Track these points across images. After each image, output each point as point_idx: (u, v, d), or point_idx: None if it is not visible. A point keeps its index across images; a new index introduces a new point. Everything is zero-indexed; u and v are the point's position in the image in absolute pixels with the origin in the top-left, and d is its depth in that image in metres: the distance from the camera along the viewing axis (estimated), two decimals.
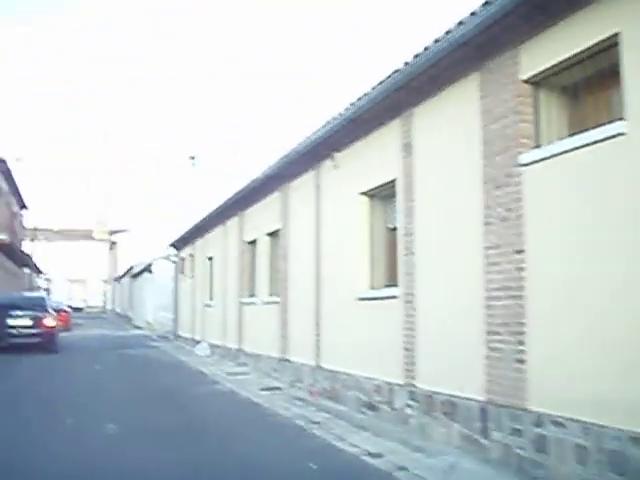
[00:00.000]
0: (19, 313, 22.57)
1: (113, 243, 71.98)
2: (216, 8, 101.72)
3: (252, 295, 17.52)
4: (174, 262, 30.40)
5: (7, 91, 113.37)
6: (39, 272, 75.43)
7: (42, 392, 13.38)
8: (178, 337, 29.39)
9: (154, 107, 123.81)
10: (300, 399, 12.34)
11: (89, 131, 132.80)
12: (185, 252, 28.10)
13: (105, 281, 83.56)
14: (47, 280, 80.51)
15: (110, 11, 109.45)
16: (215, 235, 22.03)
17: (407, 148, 9.51)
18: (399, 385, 9.53)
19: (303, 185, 13.61)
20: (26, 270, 55.63)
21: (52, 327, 23.01)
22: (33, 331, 22.45)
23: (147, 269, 40.24)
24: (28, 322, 22.53)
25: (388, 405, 9.85)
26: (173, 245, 30.02)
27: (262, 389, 13.79)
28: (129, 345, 27.57)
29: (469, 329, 7.83)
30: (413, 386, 9.17)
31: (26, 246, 57.05)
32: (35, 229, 58.47)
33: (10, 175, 40.09)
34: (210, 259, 22.99)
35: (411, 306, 9.28)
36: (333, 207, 12.14)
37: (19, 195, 47.58)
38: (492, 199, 7.51)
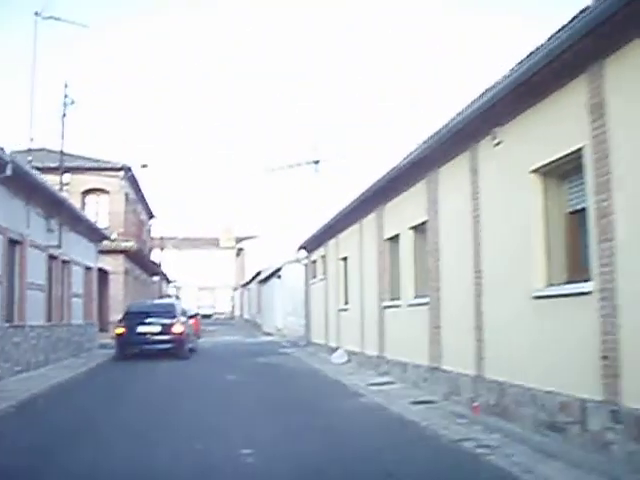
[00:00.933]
0: (150, 320, 22.88)
1: (240, 250, 71.97)
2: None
3: (395, 297, 15.92)
4: (304, 265, 29.16)
5: (136, 100, 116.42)
6: (168, 280, 76.73)
7: (172, 407, 12.27)
8: (310, 343, 28.15)
9: (278, 113, 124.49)
10: (460, 415, 10.64)
11: (213, 138, 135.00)
12: (316, 254, 26.82)
13: (233, 288, 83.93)
14: (176, 288, 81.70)
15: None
16: (349, 234, 20.57)
17: (597, 109, 7.70)
18: (595, 402, 7.69)
19: (455, 169, 11.91)
20: (155, 278, 56.05)
21: (181, 333, 22.92)
22: (163, 337, 22.60)
23: (276, 274, 39.35)
24: (158, 329, 22.71)
25: (579, 426, 8.03)
26: (303, 247, 28.82)
27: (413, 403, 12.16)
28: (260, 352, 26.54)
29: None
30: (616, 404, 7.33)
31: (155, 255, 57.61)
32: (162, 238, 58.87)
33: (137, 183, 40.16)
34: (344, 260, 21.55)
35: (610, 304, 7.46)
36: (494, 191, 10.39)
37: (146, 204, 47.86)
38: None
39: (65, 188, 34.98)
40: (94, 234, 26.61)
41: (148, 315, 23.37)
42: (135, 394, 14.29)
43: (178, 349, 22.72)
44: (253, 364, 21.59)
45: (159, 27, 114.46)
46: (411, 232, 14.70)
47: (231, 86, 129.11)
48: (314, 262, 27.52)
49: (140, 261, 41.54)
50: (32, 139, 25.74)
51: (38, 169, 21.06)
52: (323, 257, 25.33)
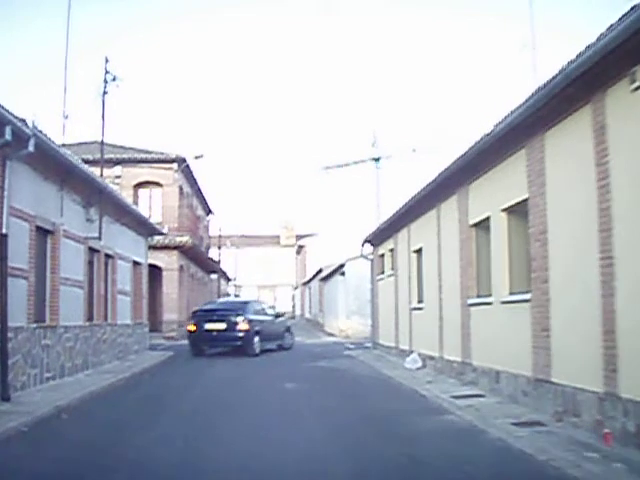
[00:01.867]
0: (216, 317, 23.97)
1: (300, 247, 69.95)
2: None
3: (483, 293, 13.39)
4: (370, 260, 26.77)
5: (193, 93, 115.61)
6: (228, 279, 75.23)
7: (218, 430, 9.98)
8: (377, 345, 25.75)
9: (338, 109, 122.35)
10: (585, 445, 8.11)
11: (272, 134, 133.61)
12: (383, 248, 24.41)
13: (294, 286, 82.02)
14: (236, 286, 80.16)
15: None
16: (424, 222, 18.08)
17: None
18: None
19: (570, 130, 9.39)
20: (213, 276, 54.31)
21: (247, 330, 23.48)
22: (230, 334, 23.46)
23: (338, 271, 37.05)
24: (223, 326, 23.58)
25: None
26: (368, 241, 26.42)
27: (516, 424, 9.64)
28: (322, 355, 24.32)
29: None
30: None
31: (214, 253, 55.94)
32: (220, 236, 57.11)
33: (192, 176, 38.37)
34: (418, 252, 19.08)
35: None
36: (631, 149, 7.87)
37: (203, 199, 46.06)
38: None
39: (116, 181, 33.36)
40: (143, 227, 24.66)
41: (216, 312, 24.55)
42: (180, 409, 12.06)
43: (245, 346, 23.43)
44: (315, 369, 19.35)
45: (221, 15, 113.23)
46: (504, 214, 12.16)
47: (291, 80, 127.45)
48: (381, 256, 25.11)
49: (196, 258, 39.69)
50: (66, 116, 23.80)
51: (87, 162, 19.25)
52: (391, 250, 22.92)
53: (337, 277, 38.12)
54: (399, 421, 10.57)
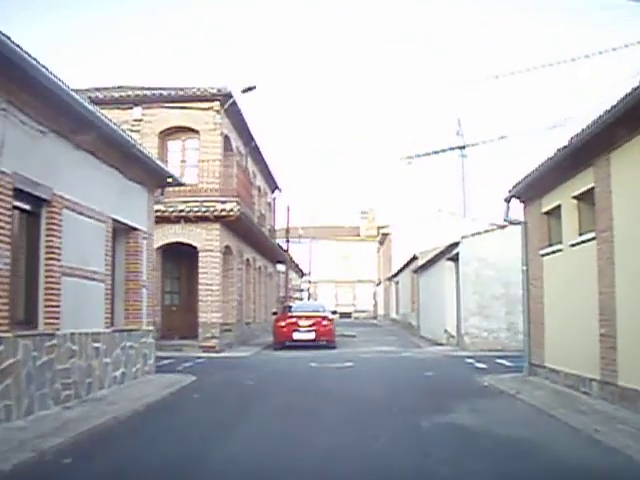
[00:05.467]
0: None
1: (385, 235, 59.29)
2: None
3: None
4: (522, 225, 15.94)
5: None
6: (302, 273, 65.49)
7: None
8: (536, 368, 15.09)
9: (420, 96, 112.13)
10: None
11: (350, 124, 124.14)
12: (555, 198, 13.71)
13: (375, 283, 71.43)
14: (310, 282, 70.46)
15: None
16: None
17: None
18: None
19: None
20: (281, 267, 44.30)
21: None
22: None
23: (446, 254, 26.36)
24: None
25: None
26: (514, 197, 15.80)
27: None
28: (438, 387, 14.17)
29: None
30: None
31: (291, 248, 46.33)
32: (292, 228, 46.99)
33: (243, 122, 28.05)
34: None
35: None
36: None
37: (266, 168, 35.96)
38: None
39: (135, 127, 23.67)
40: (139, 168, 14.60)
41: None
42: None
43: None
44: (442, 441, 8.78)
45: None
46: None
47: (373, 68, 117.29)
48: (549, 214, 14.36)
49: (253, 238, 29.59)
50: None
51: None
52: (580, 198, 12.36)
53: (442, 264, 27.49)
54: None
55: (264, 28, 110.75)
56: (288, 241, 44.59)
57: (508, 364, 18.36)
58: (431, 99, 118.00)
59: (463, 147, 63.44)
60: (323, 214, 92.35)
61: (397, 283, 51.02)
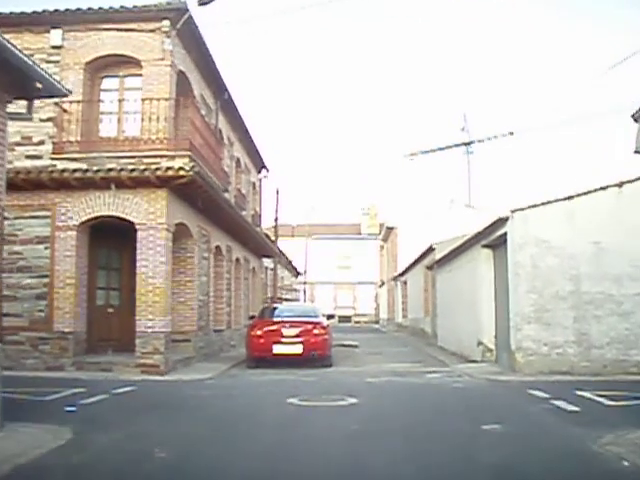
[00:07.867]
0: None
1: (389, 229, 52.28)
2: None
3: None
4: None
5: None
6: (297, 273, 58.98)
7: None
8: None
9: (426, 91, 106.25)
10: None
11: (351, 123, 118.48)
12: None
13: (379, 284, 64.47)
14: (305, 283, 63.70)
15: None
16: None
17: None
18: None
19: None
20: (267, 262, 37.17)
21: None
22: None
23: (483, 239, 19.25)
24: None
25: None
26: None
27: None
28: (525, 469, 6.87)
29: None
30: None
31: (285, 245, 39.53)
32: (287, 225, 39.90)
33: (207, 55, 20.57)
34: None
35: None
36: None
37: (246, 132, 28.73)
38: None
39: (53, 57, 16.74)
40: None
41: None
42: None
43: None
44: None
45: None
46: None
47: (376, 64, 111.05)
48: None
49: (229, 222, 22.49)
50: None
51: None
52: None
53: (475, 253, 20.45)
54: None
55: None
56: (277, 231, 37.41)
57: (607, 402, 11.35)
58: (436, 93, 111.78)
59: (469, 143, 58.95)
60: (321, 211, 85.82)
61: (404, 283, 44.10)
